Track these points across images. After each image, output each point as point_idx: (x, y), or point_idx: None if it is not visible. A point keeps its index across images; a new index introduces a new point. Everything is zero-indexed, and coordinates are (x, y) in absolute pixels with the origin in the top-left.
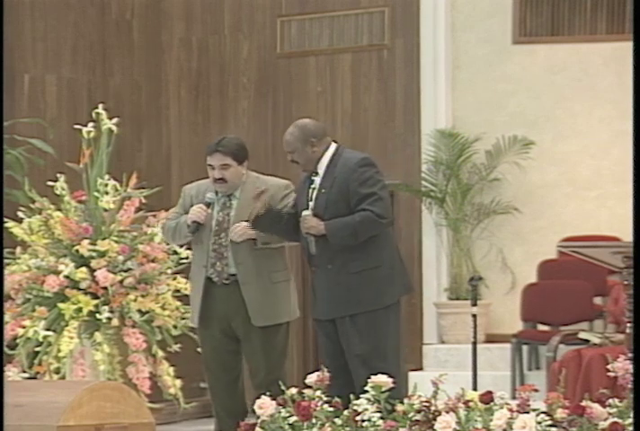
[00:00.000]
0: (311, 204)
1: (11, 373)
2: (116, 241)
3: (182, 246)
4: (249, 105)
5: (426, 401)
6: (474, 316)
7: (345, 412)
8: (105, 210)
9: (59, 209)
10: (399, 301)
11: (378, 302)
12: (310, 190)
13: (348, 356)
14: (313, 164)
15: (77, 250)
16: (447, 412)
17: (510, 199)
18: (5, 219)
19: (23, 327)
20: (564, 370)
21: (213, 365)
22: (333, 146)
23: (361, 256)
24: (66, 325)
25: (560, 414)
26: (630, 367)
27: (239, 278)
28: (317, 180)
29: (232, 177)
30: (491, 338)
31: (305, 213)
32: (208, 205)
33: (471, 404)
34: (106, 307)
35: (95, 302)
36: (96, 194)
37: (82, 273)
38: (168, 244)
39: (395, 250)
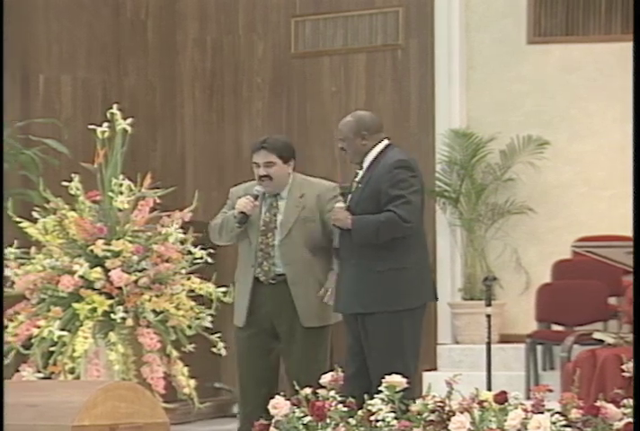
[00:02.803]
0: (349, 196)
1: (26, 373)
2: (130, 242)
3: (206, 248)
4: (263, 105)
5: (440, 402)
6: (488, 316)
7: (359, 412)
8: (120, 210)
9: (74, 209)
10: (423, 306)
11: (399, 304)
12: (353, 183)
13: (366, 353)
14: (360, 157)
15: (92, 250)
16: (461, 412)
17: (524, 199)
18: (20, 219)
19: (38, 327)
20: (578, 370)
21: (248, 365)
22: (384, 143)
23: (388, 256)
24: (81, 325)
25: (574, 414)
26: None
27: (288, 279)
28: (360, 173)
29: (277, 175)
30: (505, 339)
31: (338, 204)
32: (256, 197)
33: (485, 404)
34: (120, 307)
35: (110, 302)
36: (111, 194)
37: (96, 273)
38: (183, 244)
39: (424, 256)
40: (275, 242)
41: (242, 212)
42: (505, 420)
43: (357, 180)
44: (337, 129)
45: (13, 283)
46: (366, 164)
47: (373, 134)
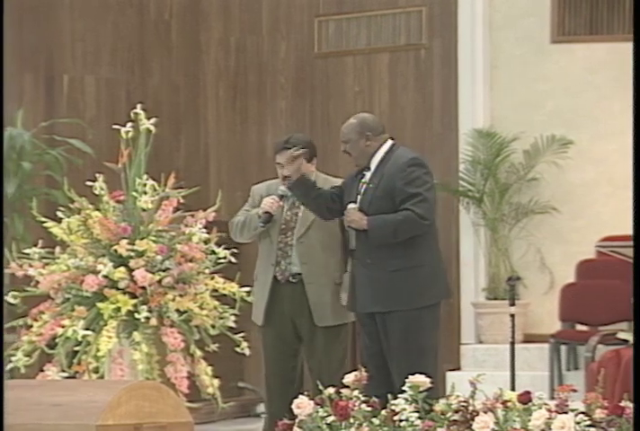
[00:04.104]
0: (359, 197)
1: (50, 372)
2: (154, 241)
3: (230, 248)
4: (287, 105)
5: (464, 401)
6: (512, 316)
7: (383, 412)
8: (143, 210)
9: (98, 209)
10: (438, 303)
11: (415, 302)
12: (360, 184)
13: (385, 353)
14: (365, 159)
15: (116, 250)
16: (485, 412)
17: (548, 199)
18: (45, 219)
19: (62, 326)
20: (602, 370)
21: (273, 365)
22: (389, 143)
23: (402, 254)
24: (105, 325)
25: (599, 414)
26: None
27: (304, 278)
28: (368, 174)
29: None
30: (529, 338)
31: (350, 206)
32: (282, 197)
33: (509, 404)
34: (144, 307)
35: (134, 301)
36: (135, 194)
37: (120, 273)
38: (206, 244)
39: (437, 253)
40: (293, 242)
41: (267, 212)
42: (529, 420)
43: (365, 181)
44: (340, 132)
45: (38, 282)
46: (374, 165)
47: (377, 135)
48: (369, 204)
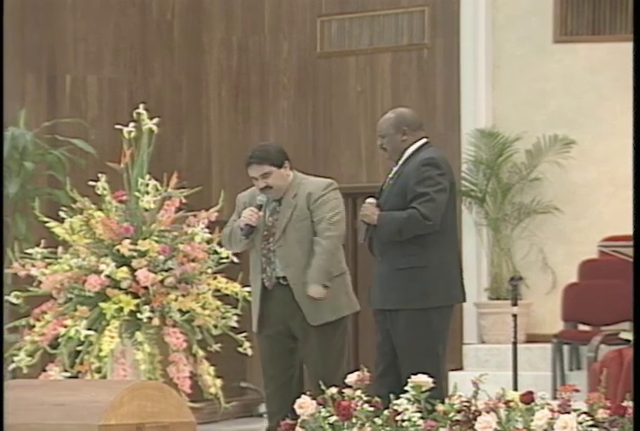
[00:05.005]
0: (382, 193)
1: (53, 372)
2: (156, 241)
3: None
4: (289, 105)
5: (466, 401)
6: (514, 316)
7: (385, 412)
8: (146, 210)
9: (100, 209)
10: (448, 306)
11: (421, 302)
12: (387, 179)
13: (397, 351)
14: (398, 154)
15: (118, 250)
16: (487, 412)
17: (550, 199)
18: (47, 219)
19: (65, 326)
20: (605, 370)
21: (269, 366)
22: (422, 141)
23: (409, 253)
24: (108, 324)
25: (601, 414)
26: None
27: (289, 280)
28: (394, 170)
29: (276, 182)
30: (531, 338)
31: (368, 200)
32: (260, 207)
33: (512, 404)
34: (147, 307)
35: (136, 301)
36: (137, 194)
37: (123, 273)
38: (208, 244)
39: (449, 254)
40: (274, 247)
41: (247, 224)
42: (532, 420)
43: (390, 176)
44: (377, 127)
45: (40, 282)
46: (401, 161)
47: (413, 130)
48: (386, 200)
